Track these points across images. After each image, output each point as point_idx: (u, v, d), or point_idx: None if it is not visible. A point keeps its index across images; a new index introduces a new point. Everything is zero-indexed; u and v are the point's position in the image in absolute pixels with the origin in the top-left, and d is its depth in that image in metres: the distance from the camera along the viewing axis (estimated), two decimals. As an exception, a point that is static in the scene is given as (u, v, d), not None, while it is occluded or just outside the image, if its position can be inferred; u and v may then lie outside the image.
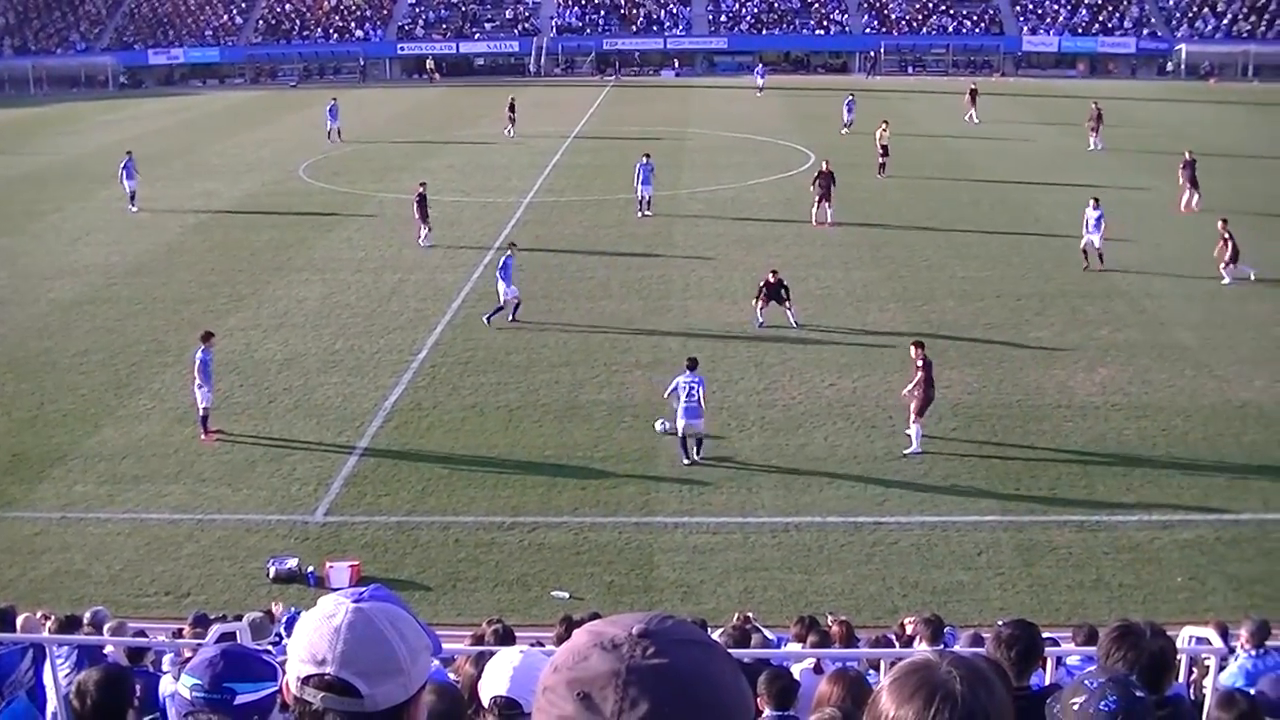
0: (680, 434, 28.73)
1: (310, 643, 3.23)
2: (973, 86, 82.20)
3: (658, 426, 30.29)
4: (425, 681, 3.38)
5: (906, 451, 29.01)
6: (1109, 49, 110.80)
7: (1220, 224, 42.35)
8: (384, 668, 3.22)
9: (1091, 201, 43.46)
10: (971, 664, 3.02)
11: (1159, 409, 31.58)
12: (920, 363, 29.34)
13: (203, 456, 30.03)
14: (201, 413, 30.87)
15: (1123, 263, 43.28)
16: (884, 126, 61.96)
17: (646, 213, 52.81)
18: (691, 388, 28.42)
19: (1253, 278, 41.41)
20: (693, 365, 29.12)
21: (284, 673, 4.71)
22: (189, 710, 4.52)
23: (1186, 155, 52.61)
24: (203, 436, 30.84)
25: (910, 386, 29.48)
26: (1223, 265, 41.71)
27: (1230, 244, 41.46)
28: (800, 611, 20.24)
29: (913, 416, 29.28)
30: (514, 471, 28.74)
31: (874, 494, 27.10)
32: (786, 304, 37.77)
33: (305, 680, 3.22)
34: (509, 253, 39.81)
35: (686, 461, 28.65)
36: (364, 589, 3.37)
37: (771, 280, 37.82)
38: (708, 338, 36.79)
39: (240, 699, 4.56)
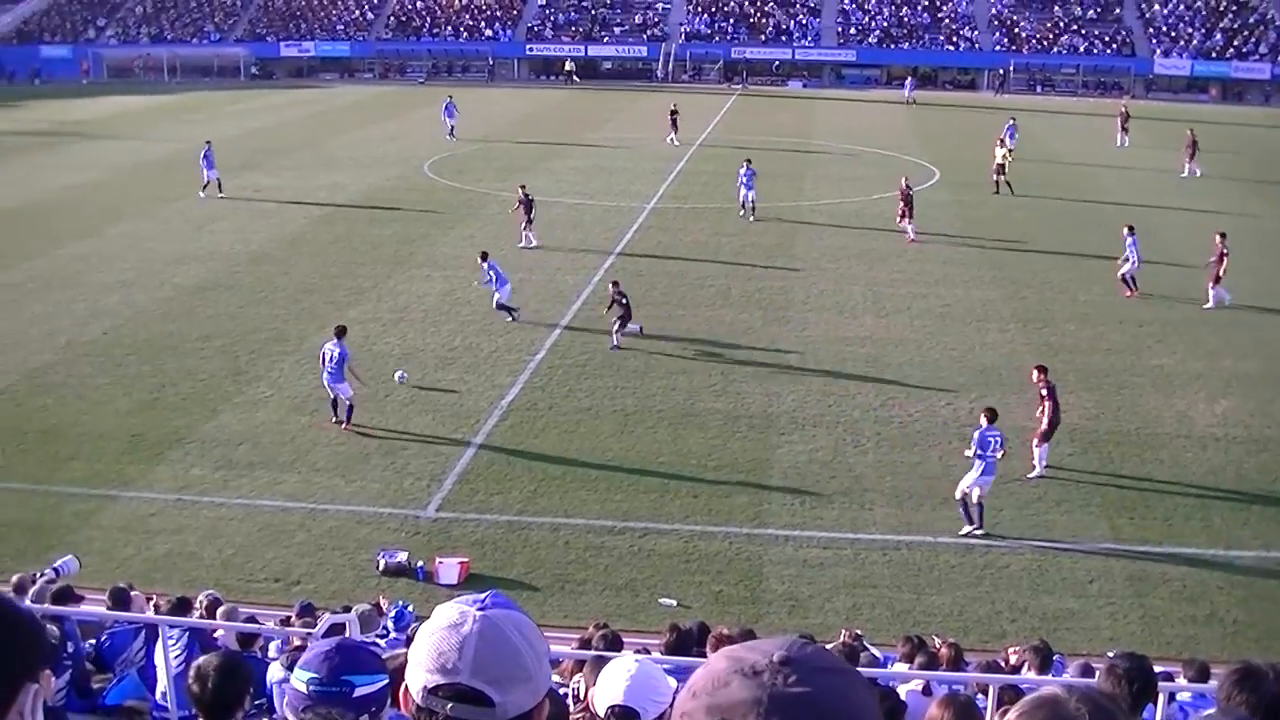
0: (978, 495, 26.42)
1: (438, 652, 3.25)
2: (1123, 109, 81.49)
3: (396, 377, 32.94)
4: (549, 686, 3.40)
5: (1030, 475, 28.63)
6: (1243, 74, 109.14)
7: (1218, 239, 41.64)
8: (514, 675, 3.25)
9: (1127, 229, 42.90)
10: (1097, 700, 3.02)
11: (1281, 443, 31.13)
12: (1044, 389, 28.98)
13: (318, 446, 30.35)
14: (348, 404, 31.33)
15: (1247, 292, 42.49)
16: (1000, 144, 61.73)
17: (752, 218, 53.52)
18: (997, 441, 26.27)
19: (1227, 301, 41.18)
20: (994, 417, 26.72)
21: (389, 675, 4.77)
22: (306, 704, 4.56)
23: None
24: (345, 426, 31.27)
25: (1040, 411, 29.12)
26: (1210, 285, 41.48)
27: (1221, 263, 41.16)
28: (907, 631, 20.13)
29: (1037, 440, 28.93)
30: (626, 476, 28.77)
31: (986, 516, 26.80)
32: (615, 322, 37.29)
33: (433, 690, 3.24)
34: (489, 260, 40.19)
35: (979, 530, 26.28)
36: (483, 595, 3.40)
37: (612, 291, 37.80)
38: (826, 351, 36.70)
39: (359, 691, 4.60)
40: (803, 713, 2.53)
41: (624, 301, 37.23)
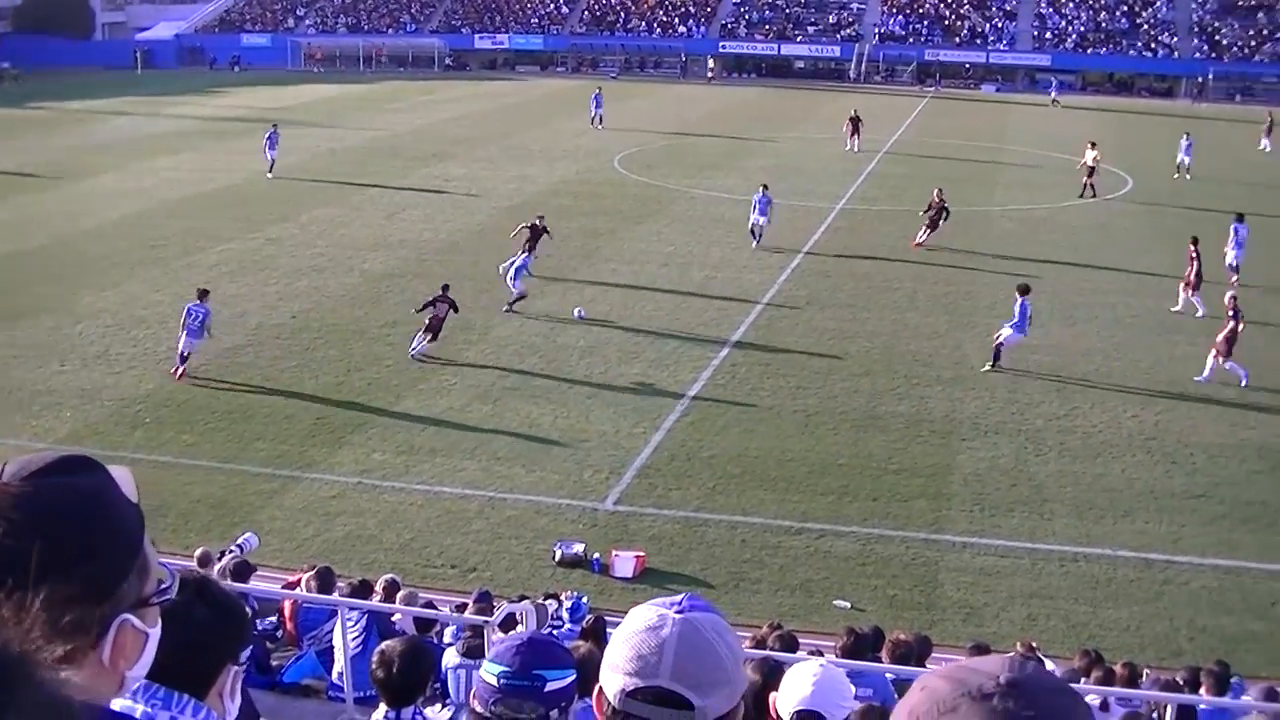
0: None
1: (637, 655, 3.21)
2: (1270, 115, 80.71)
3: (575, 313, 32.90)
4: (745, 688, 3.40)
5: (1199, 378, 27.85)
6: None
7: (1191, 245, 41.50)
8: (714, 678, 3.20)
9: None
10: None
11: None
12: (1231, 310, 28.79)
13: (499, 435, 30.61)
14: (181, 353, 33.98)
15: None
16: (1092, 146, 60.75)
17: (755, 244, 49.17)
18: None
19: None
20: None
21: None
22: (496, 697, 4.64)
23: None
24: (176, 373, 33.93)
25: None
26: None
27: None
28: (1083, 644, 19.94)
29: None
30: (806, 477, 28.66)
31: (1168, 531, 26.38)
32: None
33: (632, 693, 3.20)
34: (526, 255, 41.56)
35: None
36: (679, 598, 3.35)
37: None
38: (1011, 358, 36.25)
39: (550, 685, 4.66)
40: None
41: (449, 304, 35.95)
